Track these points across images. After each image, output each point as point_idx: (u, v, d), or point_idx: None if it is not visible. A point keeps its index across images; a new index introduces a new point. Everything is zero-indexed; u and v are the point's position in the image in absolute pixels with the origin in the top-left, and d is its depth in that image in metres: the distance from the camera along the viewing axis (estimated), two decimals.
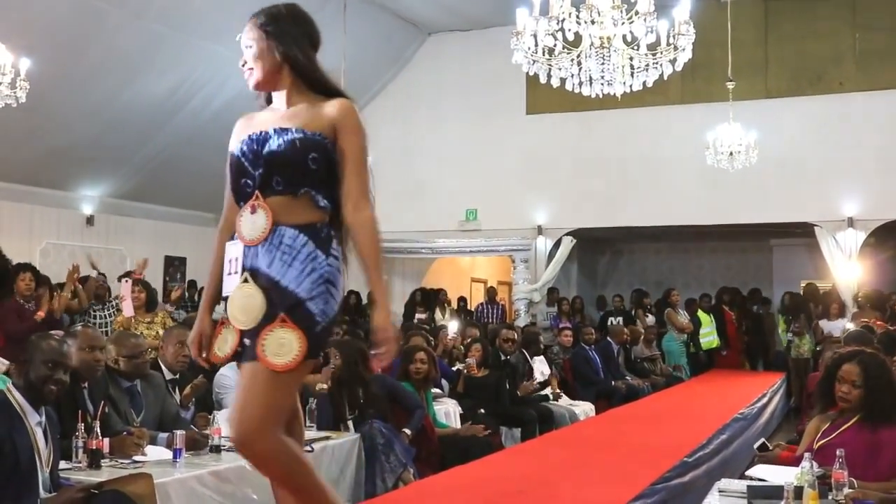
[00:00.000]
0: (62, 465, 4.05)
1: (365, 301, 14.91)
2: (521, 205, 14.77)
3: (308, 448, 5.02)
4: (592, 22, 6.66)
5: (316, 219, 2.93)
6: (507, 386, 8.37)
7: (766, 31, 13.74)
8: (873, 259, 14.13)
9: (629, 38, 6.88)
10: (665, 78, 7.30)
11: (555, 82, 7.18)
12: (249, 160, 2.97)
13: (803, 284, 14.49)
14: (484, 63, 14.70)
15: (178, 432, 4.52)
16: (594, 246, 17.62)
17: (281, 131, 2.94)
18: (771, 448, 4.55)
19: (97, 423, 4.23)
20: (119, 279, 9.06)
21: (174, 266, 14.98)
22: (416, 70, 15.76)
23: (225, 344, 2.95)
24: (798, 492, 3.35)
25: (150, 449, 4.54)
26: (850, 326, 10.53)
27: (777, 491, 3.47)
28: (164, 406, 5.27)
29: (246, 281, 2.87)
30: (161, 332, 7.11)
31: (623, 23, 6.68)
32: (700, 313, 13.46)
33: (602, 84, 7.18)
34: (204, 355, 3.07)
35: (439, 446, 6.35)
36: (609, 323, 13.55)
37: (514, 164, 14.87)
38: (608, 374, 10.70)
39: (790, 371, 12.63)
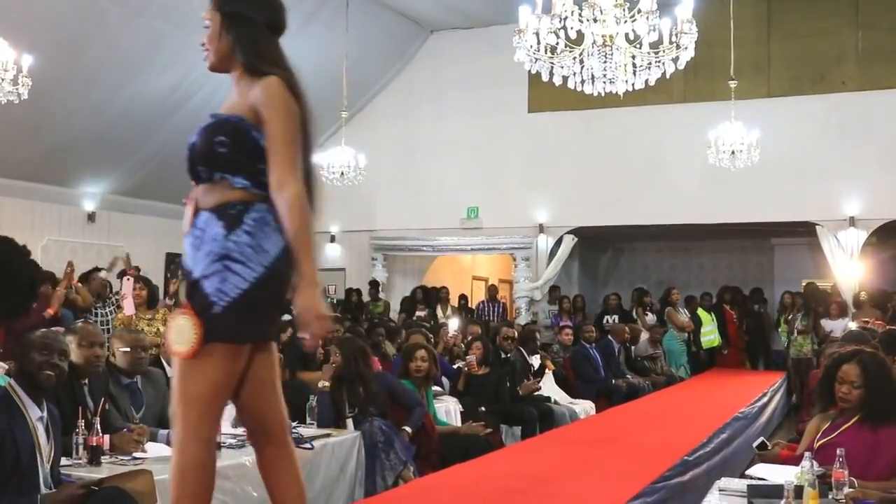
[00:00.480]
0: (62, 461, 4.05)
1: (367, 298, 14.93)
2: (523, 203, 14.78)
3: (308, 445, 5.03)
4: (595, 20, 6.67)
5: (229, 199, 2.84)
6: (508, 384, 8.37)
7: (768, 29, 13.73)
8: (874, 258, 14.12)
9: (631, 37, 6.87)
10: (667, 76, 7.28)
11: (557, 80, 7.17)
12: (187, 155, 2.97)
13: (804, 284, 14.48)
14: (486, 61, 14.71)
15: None
16: (595, 244, 17.61)
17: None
18: (770, 447, 4.54)
19: (97, 420, 4.23)
20: (118, 277, 9.05)
21: (175, 263, 14.96)
22: (417, 68, 15.76)
23: None
24: (798, 491, 3.34)
25: (150, 445, 4.55)
26: (852, 326, 10.53)
27: (777, 490, 3.47)
28: (165, 403, 5.26)
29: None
30: (162, 328, 7.11)
31: (625, 21, 6.68)
32: (701, 312, 13.45)
33: (604, 82, 7.17)
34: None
35: (439, 444, 6.35)
36: (605, 322, 13.55)
37: (515, 162, 14.88)
38: (609, 373, 10.70)
39: (790, 370, 12.62)
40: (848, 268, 13.12)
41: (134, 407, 5.03)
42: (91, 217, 13.69)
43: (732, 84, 11.66)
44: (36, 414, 3.82)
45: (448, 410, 7.53)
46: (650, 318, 13.75)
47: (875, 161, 12.96)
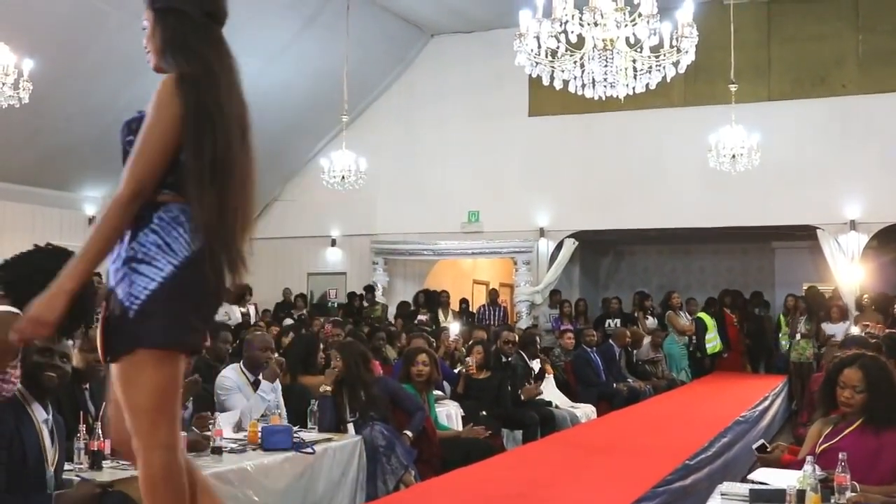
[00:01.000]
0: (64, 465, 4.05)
1: (366, 304, 14.93)
2: (524, 207, 14.78)
3: (309, 450, 5.02)
4: (595, 24, 6.66)
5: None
6: (509, 388, 8.36)
7: (768, 33, 13.73)
8: (875, 262, 14.12)
9: (632, 41, 6.87)
10: (668, 80, 7.29)
11: (557, 84, 7.17)
12: None
13: (805, 287, 14.47)
14: (486, 65, 14.72)
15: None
16: (596, 248, 17.61)
17: None
18: (770, 449, 4.53)
19: (99, 425, 4.22)
20: None
21: None
22: (418, 72, 15.77)
23: None
24: (800, 495, 3.34)
25: None
26: (854, 330, 10.53)
27: (779, 494, 3.46)
28: None
29: None
30: None
31: (626, 25, 6.68)
32: (704, 316, 13.39)
33: (605, 86, 7.17)
34: None
35: (440, 448, 6.34)
36: (606, 325, 13.53)
37: (516, 166, 14.89)
38: (609, 377, 10.69)
39: (791, 374, 12.61)
40: (849, 271, 13.12)
41: None
42: (92, 221, 13.69)
43: (733, 88, 11.67)
44: (42, 416, 3.82)
45: (449, 415, 7.52)
46: (651, 321, 13.74)
47: (876, 164, 12.95)
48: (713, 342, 13.13)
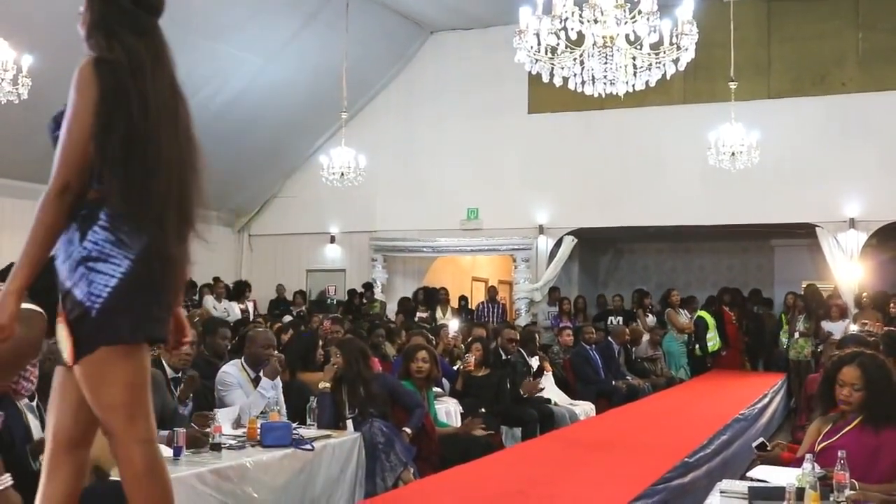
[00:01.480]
0: None
1: (365, 301, 14.93)
2: (523, 204, 14.78)
3: (308, 447, 5.02)
4: (595, 21, 6.66)
5: (82, 201, 2.69)
6: (508, 385, 8.36)
7: (768, 31, 13.73)
8: (875, 260, 14.13)
9: (632, 38, 6.86)
10: (668, 77, 7.27)
11: (557, 81, 7.15)
12: None
13: (804, 285, 14.47)
14: (486, 62, 14.72)
15: (179, 430, 4.53)
16: (595, 245, 17.62)
17: None
18: (770, 447, 4.53)
19: None
20: None
21: None
22: (417, 68, 15.77)
23: None
24: (799, 493, 3.34)
25: None
26: (853, 328, 10.53)
27: (778, 492, 3.46)
28: (165, 403, 5.26)
29: None
30: None
31: (626, 22, 6.67)
32: (705, 315, 13.37)
33: (604, 83, 7.16)
34: None
35: (439, 445, 6.34)
36: (608, 322, 13.53)
37: (515, 163, 14.88)
38: (609, 374, 10.68)
39: (790, 372, 12.61)
40: (848, 269, 13.12)
41: None
42: None
43: (733, 85, 11.67)
44: (24, 400, 3.83)
45: (448, 412, 7.52)
46: (650, 319, 13.74)
47: (875, 162, 12.96)
48: (713, 340, 13.12)
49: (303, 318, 13.00)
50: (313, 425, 5.74)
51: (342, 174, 12.88)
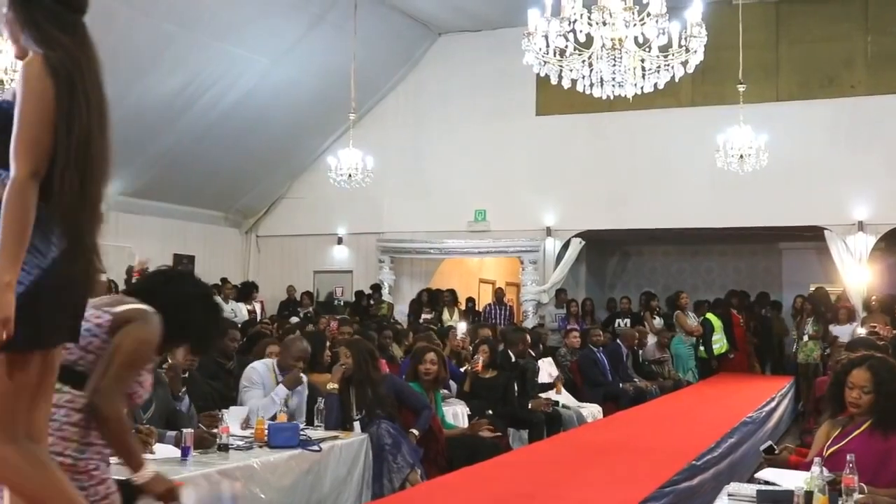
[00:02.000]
0: None
1: (373, 303, 14.94)
2: (530, 206, 14.77)
3: (316, 448, 5.02)
4: (604, 23, 6.65)
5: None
6: (516, 388, 8.35)
7: (777, 33, 13.71)
8: (883, 263, 14.10)
9: (641, 40, 6.86)
10: (676, 80, 7.28)
11: (566, 83, 7.15)
12: None
13: (812, 288, 14.44)
14: (494, 64, 14.71)
15: (187, 431, 4.53)
16: (603, 248, 17.61)
17: None
18: (777, 451, 4.52)
19: None
20: (126, 275, 9.08)
21: (183, 264, 14.98)
22: (426, 70, 15.77)
23: None
24: (808, 497, 3.33)
25: (158, 447, 4.54)
26: (861, 331, 10.49)
27: (787, 495, 3.45)
28: (172, 404, 5.28)
29: None
30: None
31: (635, 24, 6.66)
32: (712, 317, 13.33)
33: (613, 86, 7.16)
34: None
35: (447, 447, 6.34)
36: (616, 325, 13.51)
37: (523, 165, 14.88)
38: (616, 377, 10.67)
39: (798, 375, 12.58)
40: (856, 272, 13.09)
41: (141, 408, 5.02)
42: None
43: (741, 88, 11.65)
44: None
45: (455, 414, 7.52)
46: (657, 321, 13.72)
47: (884, 165, 12.92)
48: (719, 343, 13.10)
49: (310, 319, 13.02)
50: (321, 426, 5.75)
51: (350, 175, 12.89)
